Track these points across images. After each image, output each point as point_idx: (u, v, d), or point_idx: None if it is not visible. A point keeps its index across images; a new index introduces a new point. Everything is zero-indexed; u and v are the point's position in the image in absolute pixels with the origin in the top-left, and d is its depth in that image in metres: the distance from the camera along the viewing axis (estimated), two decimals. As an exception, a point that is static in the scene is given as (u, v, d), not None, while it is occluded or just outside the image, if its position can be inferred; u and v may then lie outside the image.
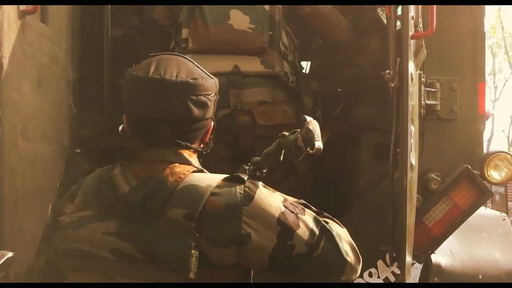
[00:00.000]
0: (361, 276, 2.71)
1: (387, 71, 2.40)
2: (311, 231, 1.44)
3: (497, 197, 11.66)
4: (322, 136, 1.73)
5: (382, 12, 3.14)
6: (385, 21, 3.06)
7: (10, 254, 1.88)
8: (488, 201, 9.11)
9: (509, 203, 12.00)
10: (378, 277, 2.72)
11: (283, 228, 1.43)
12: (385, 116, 2.60)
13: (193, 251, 1.37)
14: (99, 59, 3.04)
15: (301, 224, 1.45)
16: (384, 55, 2.67)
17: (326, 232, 1.46)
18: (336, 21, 3.02)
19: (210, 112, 1.56)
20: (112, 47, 3.07)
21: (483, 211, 3.37)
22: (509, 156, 2.74)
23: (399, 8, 2.38)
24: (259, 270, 1.51)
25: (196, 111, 1.50)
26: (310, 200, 1.53)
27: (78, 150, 2.86)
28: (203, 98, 1.51)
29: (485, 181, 2.72)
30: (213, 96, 1.55)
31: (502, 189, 11.63)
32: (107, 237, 1.43)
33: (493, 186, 3.36)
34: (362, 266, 2.55)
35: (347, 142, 3.28)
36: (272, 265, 1.45)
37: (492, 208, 7.44)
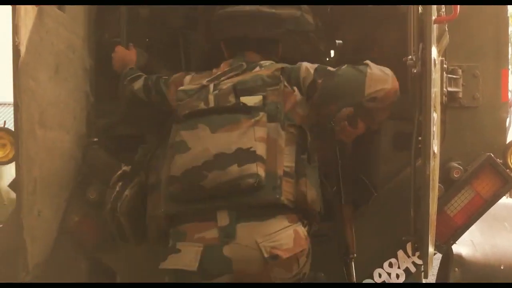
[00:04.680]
0: (381, 266, 2.68)
1: (409, 56, 2.35)
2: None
3: (518, 187, 11.48)
4: None
5: None
6: None
7: None
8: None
9: (529, 194, 11.83)
10: (399, 267, 2.68)
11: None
12: (405, 104, 2.55)
13: None
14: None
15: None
16: (401, 45, 2.62)
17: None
18: None
19: None
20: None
21: (505, 200, 3.30)
22: (533, 144, 2.68)
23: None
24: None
25: None
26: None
27: (95, 139, 2.85)
28: None
29: (508, 170, 2.67)
30: None
31: (523, 180, 11.44)
32: None
33: (515, 176, 3.29)
34: (382, 256, 2.50)
35: (366, 132, 3.23)
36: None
37: (512, 199, 7.32)
